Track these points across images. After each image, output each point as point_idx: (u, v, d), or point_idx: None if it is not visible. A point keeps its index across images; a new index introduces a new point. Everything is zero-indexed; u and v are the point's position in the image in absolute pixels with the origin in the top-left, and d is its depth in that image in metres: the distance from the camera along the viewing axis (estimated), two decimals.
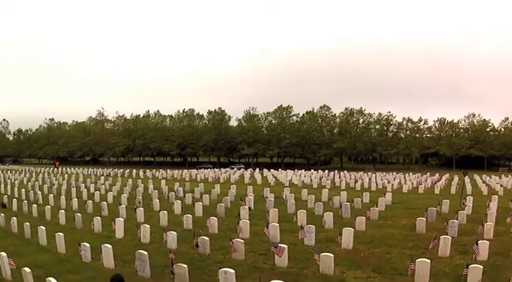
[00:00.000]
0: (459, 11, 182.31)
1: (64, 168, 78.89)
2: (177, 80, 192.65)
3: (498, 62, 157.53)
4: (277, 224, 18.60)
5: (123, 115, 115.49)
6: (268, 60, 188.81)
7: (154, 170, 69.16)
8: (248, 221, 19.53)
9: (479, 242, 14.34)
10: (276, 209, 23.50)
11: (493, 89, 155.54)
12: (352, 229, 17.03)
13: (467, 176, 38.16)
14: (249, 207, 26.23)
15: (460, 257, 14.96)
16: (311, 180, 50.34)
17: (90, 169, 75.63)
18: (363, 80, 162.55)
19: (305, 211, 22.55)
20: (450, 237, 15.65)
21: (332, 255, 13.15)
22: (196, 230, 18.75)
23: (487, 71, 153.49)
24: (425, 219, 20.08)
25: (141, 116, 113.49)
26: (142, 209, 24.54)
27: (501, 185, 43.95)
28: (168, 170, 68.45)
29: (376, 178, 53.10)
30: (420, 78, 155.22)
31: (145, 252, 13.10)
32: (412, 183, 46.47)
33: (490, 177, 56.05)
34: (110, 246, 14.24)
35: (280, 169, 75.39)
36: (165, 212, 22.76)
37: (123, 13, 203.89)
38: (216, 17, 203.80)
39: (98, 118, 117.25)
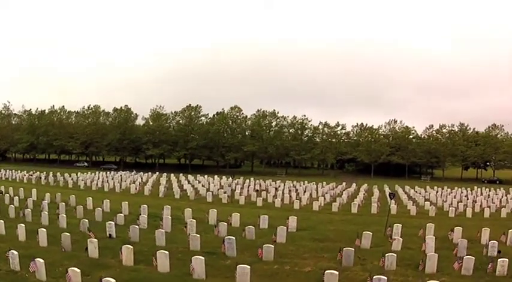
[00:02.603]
0: (380, 11, 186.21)
1: None
2: (89, 74, 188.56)
3: (422, 69, 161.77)
4: (113, 279, 11.90)
5: (30, 109, 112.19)
6: (180, 59, 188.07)
7: (45, 172, 64.40)
8: (78, 271, 13.03)
9: None
10: (131, 247, 16.58)
11: (416, 96, 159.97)
12: None
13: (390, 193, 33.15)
14: (109, 235, 21.11)
15: None
16: (207, 191, 44.43)
17: None
18: (278, 82, 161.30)
19: (167, 252, 15.80)
20: None
21: None
22: (21, 273, 14.55)
23: (410, 77, 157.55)
24: (337, 272, 13.32)
25: (47, 111, 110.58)
26: None
27: (431, 202, 40.63)
28: (58, 173, 62.77)
29: (284, 190, 48.99)
30: (339, 83, 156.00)
31: None
32: (325, 199, 41.89)
33: (414, 189, 54.91)
34: None
35: (181, 174, 72.48)
36: None
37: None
38: (129, 15, 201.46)
39: (3, 112, 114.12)
